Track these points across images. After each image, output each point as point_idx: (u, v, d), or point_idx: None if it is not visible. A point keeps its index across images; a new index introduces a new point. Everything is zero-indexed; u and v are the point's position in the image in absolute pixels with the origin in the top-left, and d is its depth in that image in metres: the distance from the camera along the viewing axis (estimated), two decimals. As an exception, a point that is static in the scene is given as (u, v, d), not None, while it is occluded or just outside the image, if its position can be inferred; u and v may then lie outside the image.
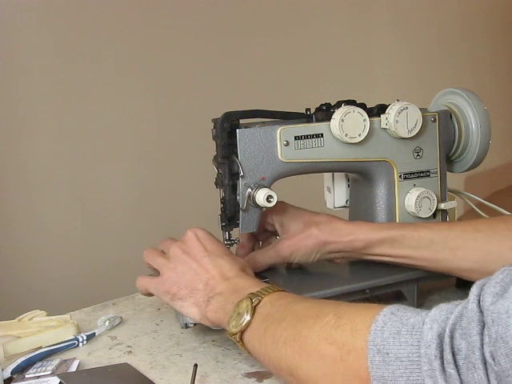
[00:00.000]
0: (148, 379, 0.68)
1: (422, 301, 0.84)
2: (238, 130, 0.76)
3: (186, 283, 0.69)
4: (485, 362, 0.41)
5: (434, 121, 0.83)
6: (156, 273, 0.75)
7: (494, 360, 0.41)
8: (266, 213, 0.82)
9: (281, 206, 0.81)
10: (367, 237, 0.76)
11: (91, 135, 1.75)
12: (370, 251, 0.76)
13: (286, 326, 0.56)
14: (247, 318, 0.60)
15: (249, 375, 0.68)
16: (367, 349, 0.47)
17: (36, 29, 1.62)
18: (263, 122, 0.80)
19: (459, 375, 0.42)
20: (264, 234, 0.85)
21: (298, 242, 0.78)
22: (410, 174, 0.83)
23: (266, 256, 0.81)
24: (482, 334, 0.42)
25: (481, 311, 0.43)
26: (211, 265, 0.69)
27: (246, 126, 0.77)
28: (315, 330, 0.53)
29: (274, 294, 0.62)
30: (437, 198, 0.83)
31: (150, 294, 0.76)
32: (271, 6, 2.22)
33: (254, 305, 0.60)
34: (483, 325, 0.42)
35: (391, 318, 0.48)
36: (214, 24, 2.05)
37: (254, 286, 0.65)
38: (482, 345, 0.41)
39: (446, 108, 0.88)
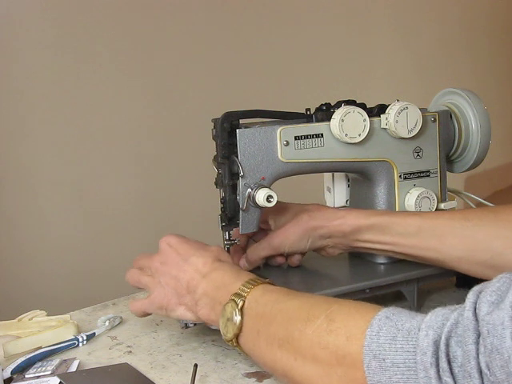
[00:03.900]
0: (148, 379, 0.68)
1: (422, 301, 0.84)
2: (238, 130, 0.75)
3: (172, 293, 0.70)
4: (480, 372, 0.41)
5: (434, 121, 0.83)
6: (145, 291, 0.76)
7: (489, 370, 0.40)
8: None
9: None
10: (356, 221, 0.76)
11: (91, 135, 1.75)
12: (358, 236, 0.77)
13: (278, 328, 0.56)
14: (237, 319, 0.60)
15: (249, 375, 0.68)
16: (363, 354, 0.47)
17: (36, 29, 1.62)
18: (263, 122, 0.80)
19: (455, 383, 0.42)
20: (259, 234, 0.85)
21: (288, 229, 0.79)
22: (410, 173, 0.83)
23: (259, 249, 0.81)
24: (477, 343, 0.42)
25: (476, 320, 0.42)
26: (186, 265, 0.69)
27: (246, 126, 0.77)
28: (307, 333, 0.53)
29: (256, 290, 0.61)
30: (437, 197, 0.83)
31: (147, 315, 0.76)
32: (271, 6, 2.22)
33: (239, 307, 0.60)
34: (479, 334, 0.42)
35: (386, 323, 0.47)
36: (214, 24, 2.04)
37: (233, 280, 0.65)
38: (478, 354, 0.41)
39: (446, 108, 0.87)
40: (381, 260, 0.83)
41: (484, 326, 0.41)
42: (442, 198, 0.86)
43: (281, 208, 0.83)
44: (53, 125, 1.68)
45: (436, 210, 0.83)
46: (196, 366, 0.66)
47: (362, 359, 0.47)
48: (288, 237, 0.79)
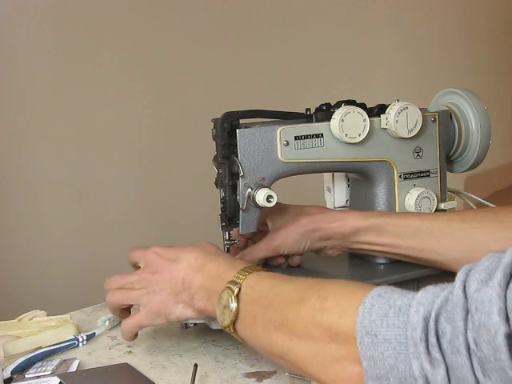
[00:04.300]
0: (148, 379, 0.68)
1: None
2: (238, 130, 0.75)
3: (168, 296, 0.69)
4: (468, 348, 0.42)
5: (434, 121, 0.83)
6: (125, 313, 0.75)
7: (476, 346, 0.41)
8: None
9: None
10: (355, 223, 0.76)
11: (91, 135, 1.75)
12: (357, 238, 0.77)
13: (274, 312, 0.57)
14: (233, 306, 0.60)
15: (249, 375, 0.68)
16: (355, 330, 0.48)
17: (36, 30, 1.62)
18: (263, 122, 0.80)
19: (443, 358, 0.43)
20: (258, 236, 0.85)
21: (287, 231, 0.79)
22: (410, 174, 0.83)
23: (256, 250, 0.80)
24: (466, 319, 0.42)
25: (466, 297, 0.43)
26: (178, 265, 0.69)
27: (246, 126, 0.77)
28: (301, 314, 0.54)
29: (251, 277, 0.62)
30: (437, 197, 0.83)
31: (135, 337, 0.74)
32: (271, 6, 2.23)
33: (235, 294, 0.61)
34: (467, 311, 0.43)
35: (378, 300, 0.48)
36: (215, 24, 2.05)
37: (228, 269, 0.65)
38: (466, 330, 0.42)
39: (446, 108, 0.87)
40: (380, 260, 0.83)
41: (472, 303, 0.42)
42: (442, 198, 0.86)
43: (279, 209, 0.84)
44: (53, 125, 1.68)
45: (436, 210, 0.83)
46: (196, 365, 0.66)
47: (354, 335, 0.48)
48: (287, 239, 0.79)
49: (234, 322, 0.61)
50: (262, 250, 0.80)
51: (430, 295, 0.46)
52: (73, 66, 1.69)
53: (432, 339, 0.43)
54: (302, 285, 0.58)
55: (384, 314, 0.47)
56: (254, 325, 0.59)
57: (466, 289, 0.44)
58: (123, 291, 0.73)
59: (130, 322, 0.72)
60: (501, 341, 0.39)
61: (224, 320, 0.62)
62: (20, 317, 0.84)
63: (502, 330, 0.40)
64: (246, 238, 0.87)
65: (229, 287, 0.62)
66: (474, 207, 0.94)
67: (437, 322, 0.44)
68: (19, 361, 0.71)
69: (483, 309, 0.41)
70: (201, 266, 0.68)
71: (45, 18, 1.64)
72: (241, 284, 0.61)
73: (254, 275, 0.62)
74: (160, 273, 0.70)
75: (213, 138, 0.79)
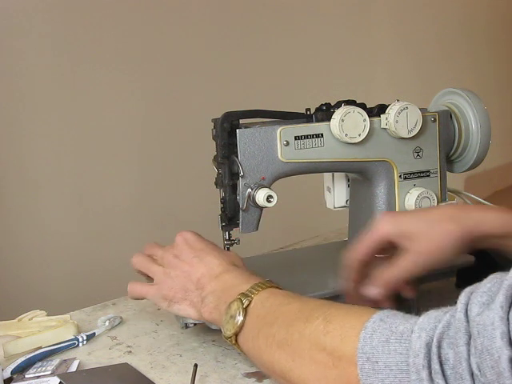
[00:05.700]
0: (148, 379, 0.68)
1: (422, 301, 0.83)
2: (238, 130, 0.75)
3: (179, 286, 0.70)
4: (472, 373, 0.41)
5: (434, 121, 0.83)
6: (148, 279, 0.75)
7: (480, 371, 0.40)
8: (371, 236, 0.67)
9: (388, 216, 0.69)
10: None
11: (91, 135, 1.75)
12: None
13: (278, 329, 0.57)
14: (239, 319, 0.60)
15: (249, 375, 0.68)
16: (356, 356, 0.47)
17: (37, 29, 1.62)
18: (263, 122, 0.80)
19: None
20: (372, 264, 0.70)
21: (431, 246, 0.65)
22: (410, 173, 0.83)
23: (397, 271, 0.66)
24: (468, 344, 0.41)
25: (468, 321, 0.42)
26: (201, 264, 0.70)
27: (246, 126, 0.77)
28: (305, 334, 0.53)
29: (263, 293, 0.62)
30: (437, 198, 0.83)
31: (140, 298, 0.75)
32: (271, 5, 2.22)
33: (244, 306, 0.61)
34: (470, 335, 0.42)
35: (380, 326, 0.48)
36: (214, 24, 2.05)
37: (243, 282, 0.65)
38: (469, 356, 0.41)
39: (446, 108, 0.87)
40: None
41: (474, 327, 0.41)
42: (442, 198, 0.86)
43: (407, 216, 0.70)
44: (53, 125, 1.68)
45: (436, 210, 0.83)
46: (196, 365, 0.66)
47: (355, 361, 0.47)
48: (435, 253, 0.65)
49: (236, 334, 0.61)
50: (405, 270, 0.66)
51: (432, 320, 0.45)
52: (73, 66, 1.69)
53: (435, 366, 0.42)
54: (308, 305, 0.58)
55: (385, 339, 0.46)
56: (257, 340, 0.59)
57: (468, 312, 0.43)
58: (148, 259, 0.74)
59: (137, 288, 0.74)
60: (505, 365, 0.39)
61: (227, 330, 0.62)
62: (20, 317, 0.83)
63: (505, 355, 0.39)
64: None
65: (239, 299, 0.62)
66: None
67: (439, 347, 0.43)
68: (19, 361, 0.71)
69: (485, 333, 0.40)
70: (219, 274, 0.68)
71: (45, 17, 1.64)
72: (252, 298, 0.61)
73: (267, 291, 0.62)
74: (181, 260, 0.71)
75: (213, 138, 0.79)
